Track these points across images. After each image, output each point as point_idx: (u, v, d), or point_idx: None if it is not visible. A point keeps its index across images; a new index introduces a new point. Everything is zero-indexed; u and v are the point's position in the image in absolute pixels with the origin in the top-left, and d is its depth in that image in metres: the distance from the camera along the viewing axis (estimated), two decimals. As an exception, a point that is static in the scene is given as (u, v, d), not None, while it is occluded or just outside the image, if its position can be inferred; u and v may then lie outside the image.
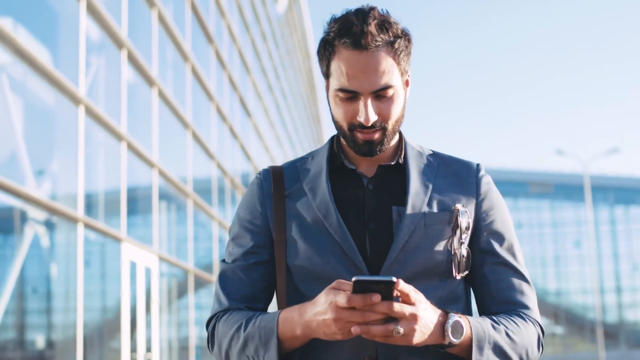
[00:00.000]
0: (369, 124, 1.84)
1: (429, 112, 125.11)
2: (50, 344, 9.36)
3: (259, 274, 1.96)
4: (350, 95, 1.84)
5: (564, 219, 61.07)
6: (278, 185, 1.98)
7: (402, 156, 1.98)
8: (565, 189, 59.32)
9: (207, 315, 14.63)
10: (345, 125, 1.88)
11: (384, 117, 1.86)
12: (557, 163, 71.13)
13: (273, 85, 27.70)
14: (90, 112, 9.89)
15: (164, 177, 13.18)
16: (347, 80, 1.83)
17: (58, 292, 9.39)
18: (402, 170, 1.97)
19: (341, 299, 1.64)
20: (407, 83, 1.94)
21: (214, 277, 16.78)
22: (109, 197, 10.87)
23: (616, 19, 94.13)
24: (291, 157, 32.59)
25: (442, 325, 1.75)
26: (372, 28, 1.82)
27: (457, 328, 1.76)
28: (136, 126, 11.81)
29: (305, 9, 43.45)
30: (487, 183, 2.00)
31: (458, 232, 1.90)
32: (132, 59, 11.71)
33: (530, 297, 1.96)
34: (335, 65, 1.86)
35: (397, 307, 1.66)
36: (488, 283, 1.95)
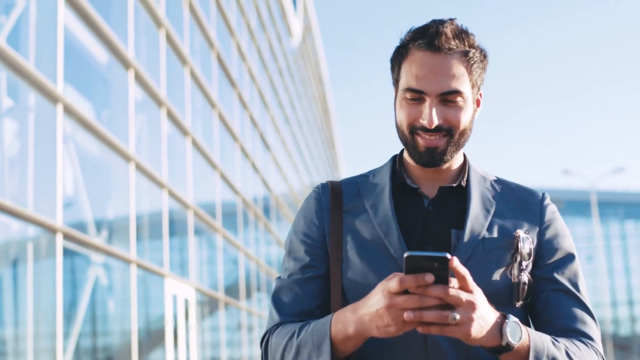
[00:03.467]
0: (432, 127, 1.79)
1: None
2: (110, 356, 10.95)
3: (315, 288, 1.89)
4: (417, 96, 1.81)
5: (576, 235, 61.99)
6: (336, 199, 1.93)
7: (465, 179, 1.93)
8: (576, 205, 60.24)
9: (232, 336, 16.21)
10: (406, 128, 1.84)
11: (450, 122, 1.81)
12: (564, 183, 72.13)
13: (290, 117, 29.26)
14: (139, 168, 11.51)
15: (198, 216, 14.78)
16: (415, 80, 1.80)
17: (116, 316, 10.99)
18: (463, 193, 1.91)
19: (393, 283, 1.55)
20: (478, 102, 1.90)
21: (240, 302, 18.36)
22: (152, 233, 12.46)
23: (617, 42, 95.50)
24: (307, 184, 34.13)
25: (499, 325, 1.64)
26: (448, 31, 1.81)
27: (516, 331, 1.66)
28: (174, 173, 13.43)
29: (318, 37, 45.01)
30: (552, 212, 1.93)
31: (518, 258, 1.82)
32: (170, 115, 13.34)
33: (593, 329, 1.85)
34: (406, 68, 1.84)
35: (454, 291, 1.56)
36: (548, 310, 1.86)
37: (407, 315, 1.54)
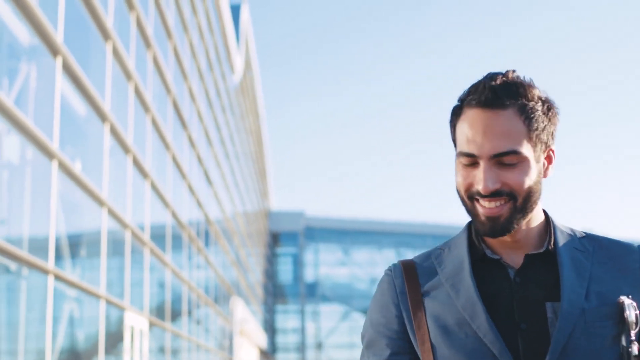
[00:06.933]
0: (487, 192, 1.64)
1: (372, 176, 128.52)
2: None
3: None
4: (471, 160, 1.67)
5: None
6: (412, 281, 1.78)
7: (552, 242, 1.73)
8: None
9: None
10: (463, 193, 1.71)
11: (510, 186, 1.64)
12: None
13: (229, 152, 30.57)
14: (111, 213, 12.79)
15: (155, 254, 16.08)
16: (466, 143, 1.67)
17: (83, 340, 12.20)
18: (552, 259, 1.72)
19: None
20: (549, 159, 1.73)
21: (168, 324, 19.59)
22: (111, 272, 13.70)
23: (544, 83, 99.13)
24: (241, 212, 35.44)
25: None
26: (499, 85, 1.66)
27: None
28: (137, 214, 14.70)
29: (257, 72, 46.48)
30: None
31: (626, 327, 1.64)
32: (136, 162, 14.63)
33: None
34: (460, 128, 1.70)
35: None
36: None
37: None
